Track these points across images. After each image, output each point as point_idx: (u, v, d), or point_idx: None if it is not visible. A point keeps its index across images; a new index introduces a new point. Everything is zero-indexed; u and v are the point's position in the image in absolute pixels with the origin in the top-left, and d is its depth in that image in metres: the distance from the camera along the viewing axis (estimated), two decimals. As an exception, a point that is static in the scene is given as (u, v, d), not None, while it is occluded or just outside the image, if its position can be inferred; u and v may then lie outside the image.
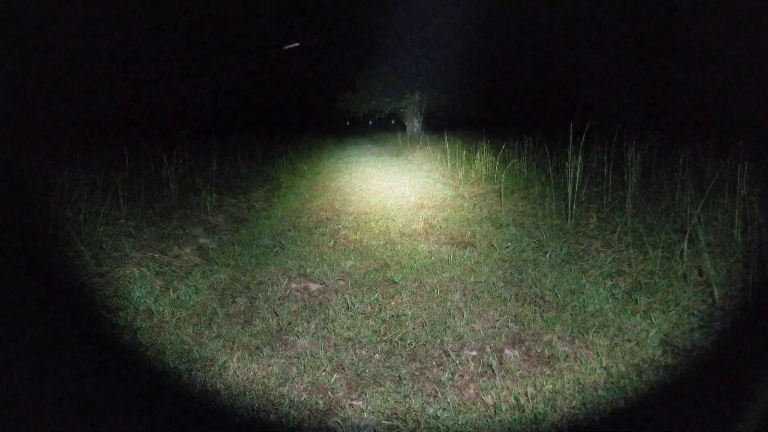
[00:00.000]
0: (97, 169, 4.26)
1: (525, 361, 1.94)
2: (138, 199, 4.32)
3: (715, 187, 3.19)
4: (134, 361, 2.05)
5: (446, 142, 8.47)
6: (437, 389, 1.77)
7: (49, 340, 1.80)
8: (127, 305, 2.47)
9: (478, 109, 17.19)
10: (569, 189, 4.01)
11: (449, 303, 2.50)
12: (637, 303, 2.36)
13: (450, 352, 2.01)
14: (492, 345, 2.08)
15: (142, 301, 2.53)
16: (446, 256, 3.28)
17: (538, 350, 2.01)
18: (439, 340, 2.12)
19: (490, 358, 1.94)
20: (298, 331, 2.23)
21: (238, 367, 1.94)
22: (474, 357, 1.98)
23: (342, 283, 2.87)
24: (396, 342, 2.12)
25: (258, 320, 2.35)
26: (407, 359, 1.99)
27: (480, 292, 2.63)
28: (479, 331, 2.20)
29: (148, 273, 2.89)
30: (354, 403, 1.72)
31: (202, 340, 2.15)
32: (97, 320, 2.32)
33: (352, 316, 2.39)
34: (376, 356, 2.02)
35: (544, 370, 1.87)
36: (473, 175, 6.69)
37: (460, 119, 17.43)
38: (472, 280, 2.83)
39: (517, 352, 2.01)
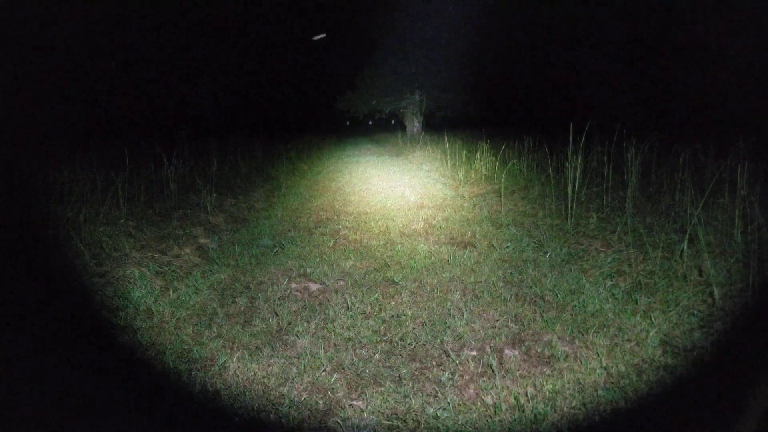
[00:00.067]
0: (97, 169, 4.26)
1: (525, 361, 1.94)
2: (138, 199, 4.32)
3: (715, 187, 3.19)
4: (134, 361, 2.05)
5: (446, 142, 8.47)
6: (437, 389, 1.77)
7: (49, 340, 1.80)
8: (127, 305, 2.47)
9: (478, 109, 17.20)
10: (569, 189, 4.01)
11: (449, 303, 2.50)
12: (637, 303, 2.36)
13: (450, 352, 2.01)
14: (492, 345, 2.08)
15: (142, 301, 2.53)
16: (446, 256, 3.28)
17: (538, 350, 2.01)
18: (439, 340, 2.12)
19: (490, 358, 1.94)
20: (298, 331, 2.23)
21: (238, 367, 1.94)
22: (474, 357, 1.98)
23: (342, 283, 2.87)
24: (396, 342, 2.12)
25: (258, 320, 2.35)
26: (407, 359, 1.99)
27: (480, 292, 2.63)
28: (479, 331, 2.20)
29: (148, 273, 2.89)
30: (354, 403, 1.72)
31: (202, 340, 2.15)
32: (97, 320, 2.32)
33: (352, 316, 2.39)
34: (376, 356, 2.02)
35: (544, 370, 1.87)
36: (473, 175, 6.69)
37: (460, 119, 17.43)
38: (472, 280, 2.83)
39: (517, 352, 2.01)
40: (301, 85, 22.87)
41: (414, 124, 18.42)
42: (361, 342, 2.14)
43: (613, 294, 2.51)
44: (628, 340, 2.03)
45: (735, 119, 5.01)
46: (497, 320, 2.30)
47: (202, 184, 5.21)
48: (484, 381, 1.81)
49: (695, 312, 2.21)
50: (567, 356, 1.94)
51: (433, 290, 2.69)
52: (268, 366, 1.95)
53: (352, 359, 1.99)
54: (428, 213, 4.72)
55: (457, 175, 7.03)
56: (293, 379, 1.86)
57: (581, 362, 1.89)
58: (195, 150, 6.67)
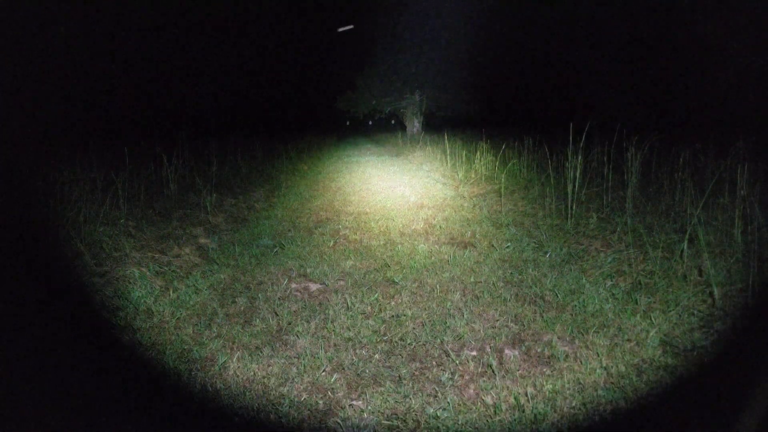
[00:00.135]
0: (97, 169, 4.26)
1: (525, 361, 1.94)
2: (138, 199, 4.32)
3: (715, 187, 3.19)
4: (134, 361, 2.05)
5: (446, 142, 8.47)
6: (437, 389, 1.77)
7: (49, 340, 1.80)
8: (127, 305, 2.47)
9: (478, 109, 17.20)
10: (569, 189, 4.01)
11: (449, 303, 2.50)
12: (637, 303, 2.36)
13: (450, 352, 2.01)
14: (492, 345, 2.08)
15: (142, 301, 2.53)
16: (446, 256, 3.28)
17: (538, 350, 2.01)
18: (439, 340, 2.12)
19: (490, 358, 1.94)
20: (298, 331, 2.23)
21: (238, 367, 1.94)
22: (474, 357, 1.98)
23: (342, 283, 2.87)
24: (396, 342, 2.12)
25: (258, 320, 2.35)
26: (407, 359, 1.99)
27: (480, 292, 2.63)
28: (479, 331, 2.20)
29: (148, 273, 2.89)
30: (354, 403, 1.72)
31: (202, 340, 2.15)
32: (97, 320, 2.32)
33: (352, 316, 2.39)
34: (376, 356, 2.02)
35: (544, 370, 1.87)
36: (473, 175, 6.69)
37: (460, 119, 17.43)
38: (472, 280, 2.83)
39: (517, 352, 2.01)
40: (301, 85, 22.88)
41: (414, 124, 18.42)
42: (361, 342, 2.13)
43: (613, 294, 2.51)
44: (628, 340, 2.03)
45: (735, 119, 5.01)
46: (497, 320, 2.30)
47: (202, 184, 5.21)
48: (484, 381, 1.81)
49: (695, 312, 2.21)
50: (567, 356, 1.94)
51: (433, 290, 2.69)
52: (268, 366, 1.95)
53: (352, 359, 1.99)
54: (428, 213, 4.72)
55: (457, 175, 7.03)
56: (293, 379, 1.86)
57: (581, 362, 1.89)
58: (195, 150, 6.67)
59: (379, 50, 16.73)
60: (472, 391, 1.77)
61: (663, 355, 1.92)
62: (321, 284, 2.85)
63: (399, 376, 1.86)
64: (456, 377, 1.84)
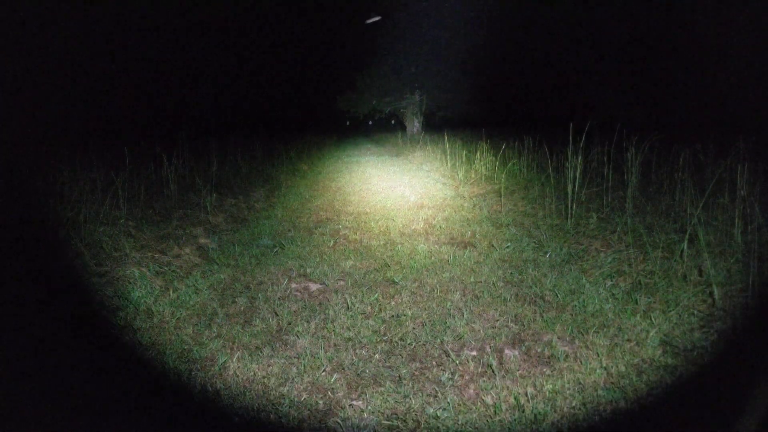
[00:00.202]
0: (97, 169, 4.26)
1: (525, 361, 1.94)
2: (138, 199, 4.32)
3: (715, 187, 3.19)
4: (134, 361, 2.05)
5: (446, 142, 8.47)
6: (437, 389, 1.77)
7: (49, 340, 1.80)
8: (127, 305, 2.47)
9: (478, 109, 17.19)
10: (569, 189, 4.01)
11: (449, 303, 2.50)
12: (637, 303, 2.36)
13: (450, 352, 2.01)
14: (492, 345, 2.08)
15: (142, 301, 2.53)
16: (446, 256, 3.28)
17: (538, 350, 2.01)
18: (439, 340, 2.12)
19: (490, 358, 1.94)
20: (298, 331, 2.23)
21: (238, 367, 1.94)
22: (474, 357, 1.98)
23: (342, 283, 2.87)
24: (396, 342, 2.12)
25: (258, 320, 2.35)
26: (407, 359, 1.99)
27: (480, 292, 2.63)
28: (479, 331, 2.20)
29: (148, 273, 2.89)
30: (354, 403, 1.72)
31: (202, 340, 2.15)
32: (97, 320, 2.32)
33: (352, 316, 2.39)
34: (376, 356, 2.02)
35: (544, 370, 1.87)
36: (473, 175, 6.69)
37: (460, 119, 17.43)
38: (472, 280, 2.83)
39: (517, 352, 2.01)
40: (301, 85, 22.87)
41: (414, 124, 18.42)
42: (361, 342, 2.13)
43: (613, 294, 2.51)
44: (628, 340, 2.03)
45: (735, 119, 5.01)
46: (497, 320, 2.30)
47: (202, 184, 5.21)
48: (484, 381, 1.81)
49: (695, 312, 2.21)
50: (567, 356, 1.94)
51: (433, 290, 2.69)
52: (268, 366, 1.95)
53: (352, 359, 1.99)
54: (428, 213, 4.72)
55: (457, 175, 7.03)
56: (293, 379, 1.86)
57: (581, 362, 1.89)
58: (195, 150, 6.66)
59: (379, 50, 16.74)
60: (472, 391, 1.77)
61: (663, 355, 1.92)
62: (321, 284, 2.85)
63: (399, 376, 1.86)
64: (456, 377, 1.84)
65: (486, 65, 15.36)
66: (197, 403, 1.78)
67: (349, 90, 19.09)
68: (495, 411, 1.63)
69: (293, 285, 2.84)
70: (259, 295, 2.68)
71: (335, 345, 2.11)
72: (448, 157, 8.08)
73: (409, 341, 2.12)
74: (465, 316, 2.34)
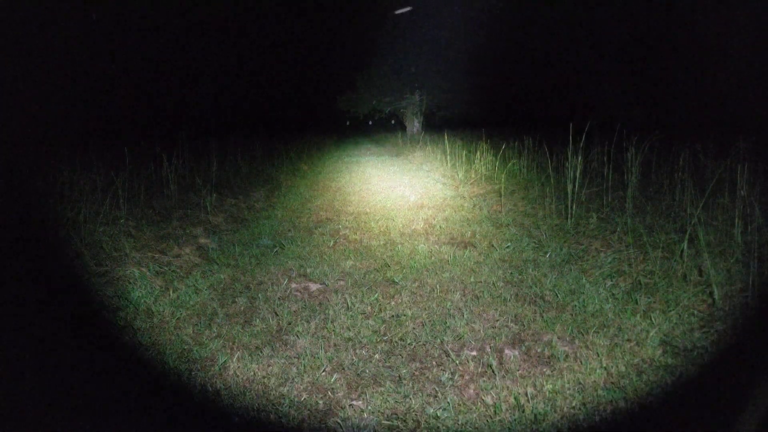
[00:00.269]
0: (97, 169, 4.26)
1: (525, 361, 1.94)
2: (138, 199, 4.32)
3: (715, 187, 3.19)
4: (134, 361, 2.05)
5: (446, 142, 8.47)
6: (437, 389, 1.77)
7: (49, 340, 1.80)
8: (127, 305, 2.47)
9: (478, 109, 17.20)
10: (569, 189, 4.01)
11: (449, 303, 2.50)
12: (637, 303, 2.36)
13: (450, 352, 2.01)
14: (492, 345, 2.08)
15: (142, 301, 2.53)
16: (446, 256, 3.28)
17: (538, 350, 2.01)
18: (439, 340, 2.12)
19: (490, 358, 1.94)
20: (298, 331, 2.23)
21: (238, 367, 1.94)
22: (474, 357, 1.98)
23: (342, 283, 2.87)
24: (396, 342, 2.12)
25: (258, 320, 2.35)
26: (407, 359, 1.99)
27: (480, 292, 2.63)
28: (479, 331, 2.20)
29: (148, 273, 2.89)
30: (354, 403, 1.72)
31: (202, 340, 2.15)
32: (97, 320, 2.32)
33: (352, 316, 2.39)
34: (376, 356, 2.02)
35: (544, 370, 1.87)
36: (473, 175, 6.69)
37: (460, 119, 17.44)
38: (472, 280, 2.83)
39: (517, 352, 2.01)
40: (301, 85, 22.85)
41: (414, 124, 18.44)
42: (361, 342, 2.14)
43: (613, 294, 2.51)
44: (628, 340, 2.03)
45: (735, 119, 5.01)
46: (497, 320, 2.30)
47: (202, 184, 5.21)
48: (484, 381, 1.81)
49: (695, 312, 2.21)
50: (567, 356, 1.94)
51: (433, 290, 2.69)
52: (268, 366, 1.95)
53: (352, 359, 1.99)
54: (428, 213, 4.72)
55: (457, 175, 7.03)
56: (293, 379, 1.86)
57: (581, 362, 1.89)
58: (195, 150, 6.66)
59: (379, 50, 16.75)
60: (472, 391, 1.77)
61: (663, 355, 1.92)
62: (321, 284, 2.85)
63: (399, 376, 1.86)
64: (456, 377, 1.84)
65: (486, 65, 15.36)
66: (197, 403, 1.78)
67: (349, 90, 19.11)
68: (495, 411, 1.63)
69: (293, 285, 2.84)
70: (259, 295, 2.68)
71: (335, 345, 2.11)
72: (448, 157, 8.08)
73: (409, 341, 2.12)
74: (465, 316, 2.34)
